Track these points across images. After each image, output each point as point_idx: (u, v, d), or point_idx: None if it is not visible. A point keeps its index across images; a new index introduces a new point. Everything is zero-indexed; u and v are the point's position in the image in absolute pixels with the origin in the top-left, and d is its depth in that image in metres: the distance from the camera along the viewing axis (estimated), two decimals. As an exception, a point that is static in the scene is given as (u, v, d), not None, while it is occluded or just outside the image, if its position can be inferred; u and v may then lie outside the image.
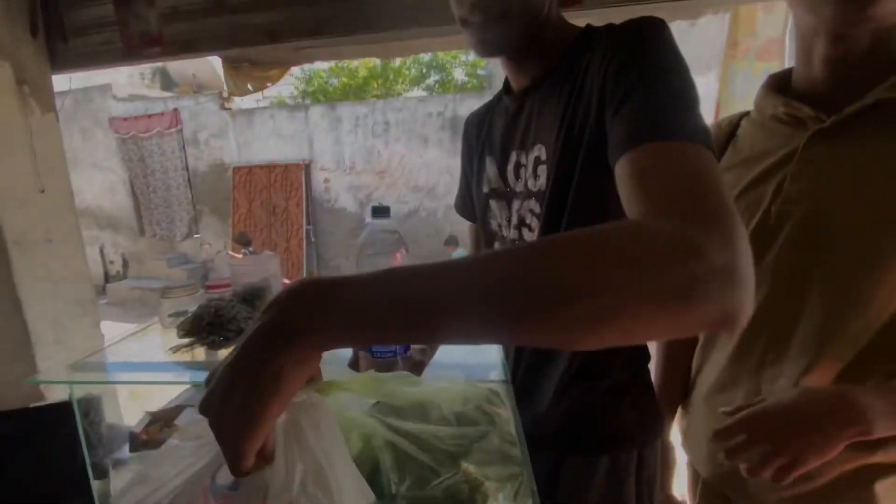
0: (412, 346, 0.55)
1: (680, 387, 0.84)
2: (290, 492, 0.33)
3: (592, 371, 0.68)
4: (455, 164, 6.57)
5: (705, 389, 0.76)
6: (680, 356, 0.84)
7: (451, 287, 0.32)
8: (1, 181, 1.39)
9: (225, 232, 7.07)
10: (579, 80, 0.60)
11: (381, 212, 0.59)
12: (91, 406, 1.08)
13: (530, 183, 0.68)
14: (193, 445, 0.40)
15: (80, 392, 0.92)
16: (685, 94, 0.48)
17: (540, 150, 0.66)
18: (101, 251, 7.61)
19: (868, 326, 0.58)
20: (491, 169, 0.76)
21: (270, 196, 6.95)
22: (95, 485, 0.86)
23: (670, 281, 0.31)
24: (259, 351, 0.31)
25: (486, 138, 0.79)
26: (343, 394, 0.42)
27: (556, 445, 0.71)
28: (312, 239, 6.97)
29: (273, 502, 0.32)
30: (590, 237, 0.34)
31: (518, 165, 0.71)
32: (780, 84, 0.70)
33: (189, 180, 6.97)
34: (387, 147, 6.67)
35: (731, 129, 0.76)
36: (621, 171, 0.47)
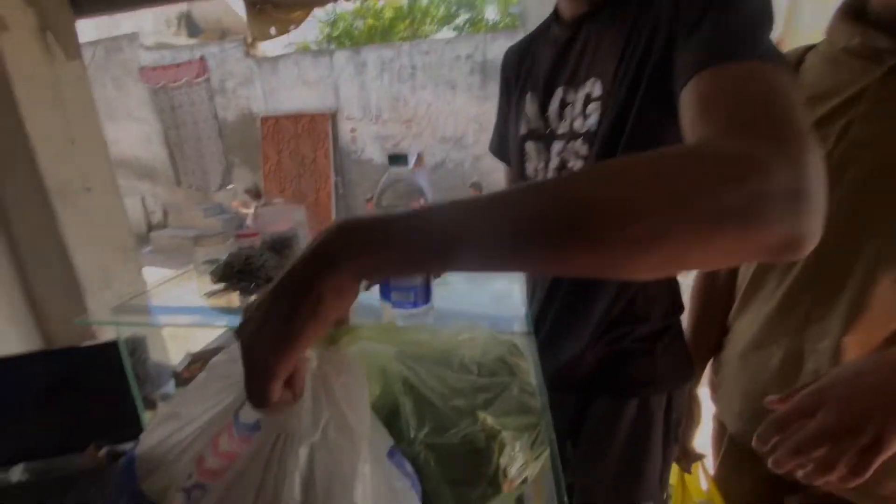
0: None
1: (713, 339, 0.82)
2: (312, 436, 0.34)
3: (629, 317, 0.67)
4: (484, 111, 6.34)
5: (742, 345, 0.74)
6: (715, 307, 0.81)
7: (494, 215, 0.31)
8: (35, 132, 1.40)
9: (257, 183, 7.20)
10: (644, 7, 0.55)
11: (398, 159, 0.57)
12: (137, 345, 1.16)
13: (577, 123, 0.63)
14: (219, 385, 0.42)
15: (126, 333, 0.98)
16: (760, 15, 0.44)
17: (594, 86, 0.61)
18: (143, 201, 7.94)
19: None
20: (531, 107, 0.71)
21: (298, 146, 6.95)
22: (146, 415, 0.95)
23: (727, 201, 0.28)
24: (301, 276, 0.31)
25: (527, 73, 0.73)
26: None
27: (586, 389, 0.72)
28: (341, 190, 7.01)
29: (293, 444, 0.33)
30: (639, 159, 0.31)
31: (563, 104, 0.66)
32: (856, 10, 0.61)
33: (220, 131, 7.04)
34: (413, 94, 6.46)
35: (796, 63, 0.67)
36: (686, 98, 0.43)
